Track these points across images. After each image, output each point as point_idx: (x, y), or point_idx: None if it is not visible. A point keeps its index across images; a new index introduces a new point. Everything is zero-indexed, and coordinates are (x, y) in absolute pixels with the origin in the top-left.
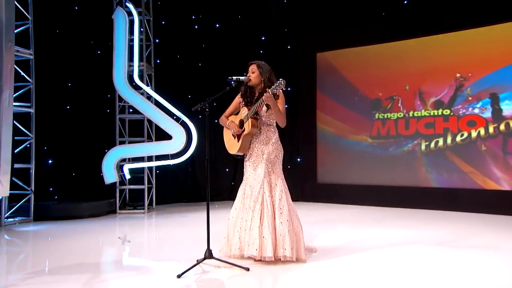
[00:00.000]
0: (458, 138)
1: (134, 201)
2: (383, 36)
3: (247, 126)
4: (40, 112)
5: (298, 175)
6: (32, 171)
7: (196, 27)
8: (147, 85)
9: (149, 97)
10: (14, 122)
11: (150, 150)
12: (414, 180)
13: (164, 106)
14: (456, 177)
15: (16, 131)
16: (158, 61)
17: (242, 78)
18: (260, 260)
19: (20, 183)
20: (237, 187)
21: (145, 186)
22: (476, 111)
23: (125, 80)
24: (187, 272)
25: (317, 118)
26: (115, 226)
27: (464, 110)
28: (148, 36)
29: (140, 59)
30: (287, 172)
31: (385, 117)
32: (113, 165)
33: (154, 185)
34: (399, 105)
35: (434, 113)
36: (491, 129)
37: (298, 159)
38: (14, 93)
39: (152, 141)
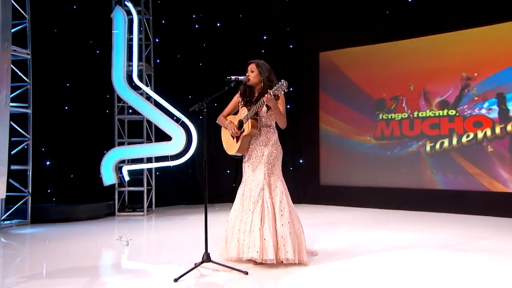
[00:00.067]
0: (464, 139)
1: (133, 203)
2: (387, 35)
3: (247, 127)
4: (37, 112)
5: (301, 177)
6: (29, 173)
7: (196, 26)
8: (147, 85)
9: (148, 98)
10: (11, 122)
11: (150, 151)
12: (419, 182)
13: (164, 107)
14: (462, 179)
15: (13, 132)
16: (158, 60)
17: (241, 77)
18: (261, 263)
19: (17, 185)
20: (238, 189)
21: (144, 188)
22: (483, 111)
23: (124, 80)
24: (184, 276)
25: (320, 118)
26: (113, 229)
27: (470, 111)
28: (148, 36)
29: (140, 59)
30: (289, 173)
31: (389, 117)
32: (112, 166)
33: (153, 187)
34: (404, 105)
35: (439, 113)
36: (497, 130)
37: (301, 161)
38: (11, 93)
39: (151, 142)
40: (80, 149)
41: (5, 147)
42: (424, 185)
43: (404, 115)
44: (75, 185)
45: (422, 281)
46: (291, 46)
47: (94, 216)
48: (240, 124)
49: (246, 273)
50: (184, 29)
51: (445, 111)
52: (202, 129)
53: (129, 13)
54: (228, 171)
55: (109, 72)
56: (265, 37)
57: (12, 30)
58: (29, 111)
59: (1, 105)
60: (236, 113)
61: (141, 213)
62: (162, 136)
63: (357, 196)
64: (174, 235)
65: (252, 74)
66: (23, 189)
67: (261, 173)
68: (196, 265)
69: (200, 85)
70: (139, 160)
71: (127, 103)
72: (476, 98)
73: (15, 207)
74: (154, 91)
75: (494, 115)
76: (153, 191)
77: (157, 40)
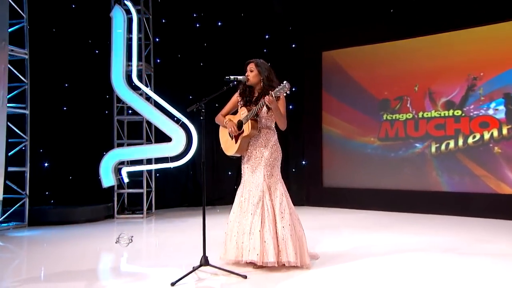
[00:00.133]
0: (470, 140)
1: (132, 206)
2: (391, 34)
3: (247, 127)
4: (35, 113)
5: (303, 179)
6: (27, 175)
7: (197, 25)
8: (146, 86)
9: (148, 98)
10: (9, 123)
11: (149, 153)
12: (424, 184)
13: (164, 107)
14: (468, 180)
15: (10, 133)
16: (158, 60)
17: (240, 77)
18: (261, 266)
19: (15, 187)
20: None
21: (144, 190)
22: (489, 111)
23: (123, 80)
24: (181, 280)
25: (323, 119)
26: (112, 232)
27: (476, 111)
28: (148, 35)
29: (139, 59)
30: (292, 175)
31: (394, 118)
32: (111, 168)
33: (153, 189)
34: (408, 105)
35: (444, 114)
36: (504, 131)
37: (303, 162)
38: (9, 93)
39: (151, 143)
40: (78, 151)
41: (2, 148)
42: (429, 187)
43: (409, 115)
44: (73, 187)
45: (425, 285)
46: (293, 46)
47: (93, 219)
48: (240, 124)
49: (245, 277)
50: (185, 28)
51: (451, 112)
52: (202, 130)
53: (128, 12)
54: (230, 173)
55: (109, 72)
56: (267, 37)
57: (9, 30)
58: (27, 111)
59: None
60: (234, 112)
61: (141, 216)
62: (162, 137)
63: (361, 198)
64: (174, 237)
65: (252, 73)
66: (20, 191)
67: (260, 174)
68: (194, 269)
69: (201, 86)
70: (139, 162)
71: (127, 104)
72: (482, 98)
73: (12, 209)
74: (154, 92)
75: (501, 115)
76: (153, 193)
77: (157, 39)
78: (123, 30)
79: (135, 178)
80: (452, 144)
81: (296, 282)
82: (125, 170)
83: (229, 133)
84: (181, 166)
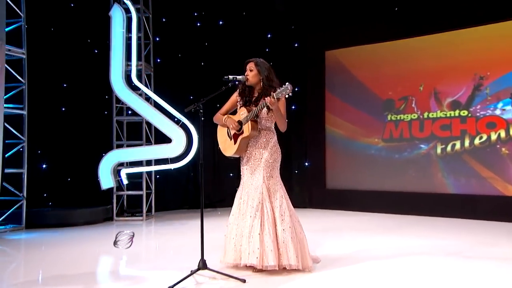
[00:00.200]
0: (477, 141)
1: (132, 208)
2: (395, 33)
3: (247, 128)
4: (33, 114)
5: (306, 181)
6: (25, 176)
7: (198, 24)
8: (146, 86)
9: (148, 98)
10: (6, 124)
11: (149, 154)
12: (429, 186)
13: (164, 108)
14: (474, 182)
15: (7, 134)
16: (158, 60)
17: (239, 77)
18: (261, 270)
19: (12, 189)
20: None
21: (143, 192)
22: (496, 112)
23: (122, 80)
24: (179, 284)
25: (326, 119)
26: (111, 234)
27: (483, 111)
28: (147, 34)
29: (139, 58)
30: (294, 177)
31: (398, 118)
32: (110, 169)
33: (153, 191)
34: (413, 105)
35: (450, 114)
36: None
37: (306, 164)
38: (6, 94)
39: (151, 144)
40: (77, 152)
41: None
42: (434, 189)
43: (414, 116)
44: (72, 189)
45: None
46: (296, 45)
47: (92, 221)
48: (239, 125)
49: (244, 281)
50: (185, 27)
51: (457, 112)
52: (203, 130)
53: (128, 11)
54: (231, 175)
55: (108, 72)
56: (269, 36)
57: (6, 29)
58: (25, 112)
59: None
60: (233, 113)
61: (140, 218)
62: (162, 138)
63: (365, 200)
64: (174, 240)
65: (251, 73)
66: (18, 193)
67: (260, 176)
68: (192, 273)
69: (201, 86)
70: (138, 163)
71: (126, 104)
72: (489, 98)
73: (10, 211)
74: (154, 92)
75: (508, 115)
76: (153, 195)
77: (157, 39)
78: (123, 29)
79: (135, 180)
80: (458, 145)
81: (297, 285)
82: (124, 172)
83: (228, 133)
84: (181, 167)
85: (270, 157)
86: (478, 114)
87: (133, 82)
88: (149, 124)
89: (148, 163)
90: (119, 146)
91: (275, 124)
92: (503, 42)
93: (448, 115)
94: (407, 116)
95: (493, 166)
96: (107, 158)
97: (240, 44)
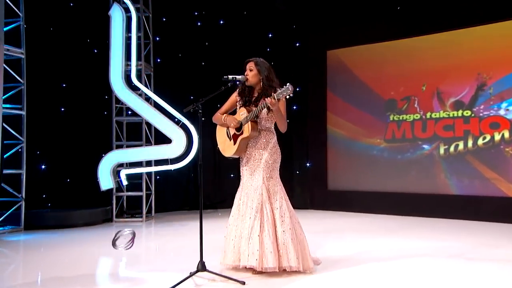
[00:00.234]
0: (480, 142)
1: (131, 209)
2: (398, 32)
3: (247, 129)
4: (32, 114)
5: (307, 181)
6: (23, 177)
7: (198, 24)
8: (146, 86)
9: (147, 99)
10: (4, 125)
11: (149, 155)
12: (432, 187)
13: (164, 108)
14: (477, 183)
15: (6, 135)
16: (158, 60)
17: (238, 77)
18: (260, 272)
19: (11, 190)
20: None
21: (143, 193)
22: (500, 112)
23: (122, 80)
24: (177, 286)
25: (328, 120)
26: (111, 236)
27: (486, 111)
28: (147, 34)
29: (139, 58)
30: (295, 178)
31: (401, 118)
32: (109, 170)
33: (153, 192)
34: (416, 105)
35: (453, 114)
36: None
37: (307, 164)
38: (4, 94)
39: (151, 145)
40: (76, 153)
41: None
42: (437, 190)
43: (416, 116)
44: (71, 190)
45: None
46: (297, 44)
47: (91, 222)
48: (239, 125)
49: (243, 283)
50: (186, 27)
51: (460, 112)
52: (204, 131)
53: (127, 10)
54: (232, 175)
55: (107, 72)
56: (270, 35)
57: (5, 29)
58: (23, 112)
59: None
60: (232, 113)
61: (140, 219)
62: (162, 139)
63: (367, 201)
64: (174, 241)
65: (251, 73)
66: (16, 194)
67: (259, 177)
68: (191, 275)
69: (202, 86)
70: (138, 164)
71: (126, 105)
72: (492, 98)
73: (8, 212)
74: (154, 92)
75: None
76: (153, 196)
77: (157, 38)
78: (122, 29)
79: (134, 181)
80: (461, 145)
81: (297, 287)
82: (124, 173)
83: (227, 134)
84: (181, 168)
85: (270, 157)
86: (481, 114)
87: (132, 82)
88: (149, 125)
89: (148, 163)
90: (119, 147)
91: (275, 124)
92: (506, 42)
93: (451, 115)
94: (410, 116)
95: (496, 167)
96: (106, 158)
97: (241, 43)
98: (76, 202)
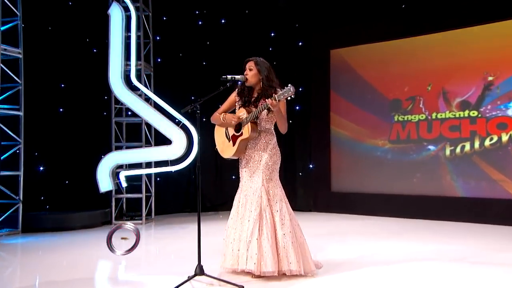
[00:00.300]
0: (487, 142)
1: (131, 211)
2: (402, 31)
3: (246, 130)
4: (30, 115)
5: (311, 183)
6: (21, 179)
7: (200, 23)
8: (146, 86)
9: (147, 99)
10: (2, 126)
11: (149, 156)
12: (438, 188)
13: (164, 109)
14: (484, 185)
15: (3, 136)
16: (158, 60)
17: (238, 76)
18: (259, 276)
19: (8, 192)
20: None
21: (143, 195)
22: (508, 112)
23: (121, 80)
24: None
25: (331, 120)
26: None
27: (493, 111)
28: (147, 33)
29: (138, 58)
30: (298, 179)
31: (406, 119)
32: (108, 172)
33: (153, 194)
34: (421, 106)
35: (459, 114)
36: None
37: (311, 166)
38: (2, 94)
39: (151, 146)
40: (75, 154)
41: None
42: (443, 192)
43: (422, 116)
44: (69, 192)
45: None
46: (300, 43)
47: (90, 225)
48: (238, 126)
49: (242, 287)
50: (187, 26)
51: (466, 112)
52: (203, 131)
53: (127, 9)
54: (233, 177)
55: (107, 72)
56: (272, 34)
57: (2, 28)
58: (21, 113)
59: None
60: (231, 112)
61: (140, 222)
62: (162, 140)
63: (371, 203)
64: (173, 244)
65: (251, 72)
66: (14, 196)
67: (259, 179)
68: (188, 279)
69: (203, 86)
70: (138, 165)
71: (125, 105)
72: (500, 98)
73: (5, 215)
74: (153, 92)
75: None
76: (153, 198)
77: (157, 38)
78: (121, 28)
79: (134, 183)
80: (467, 146)
81: None
82: (123, 174)
83: (226, 134)
84: (182, 169)
85: (269, 159)
86: (488, 115)
87: (132, 82)
88: (148, 126)
89: (148, 165)
90: (118, 148)
91: (275, 125)
92: None
93: (457, 115)
94: (415, 117)
95: (504, 168)
96: (105, 160)
97: (242, 43)
98: (75, 204)
